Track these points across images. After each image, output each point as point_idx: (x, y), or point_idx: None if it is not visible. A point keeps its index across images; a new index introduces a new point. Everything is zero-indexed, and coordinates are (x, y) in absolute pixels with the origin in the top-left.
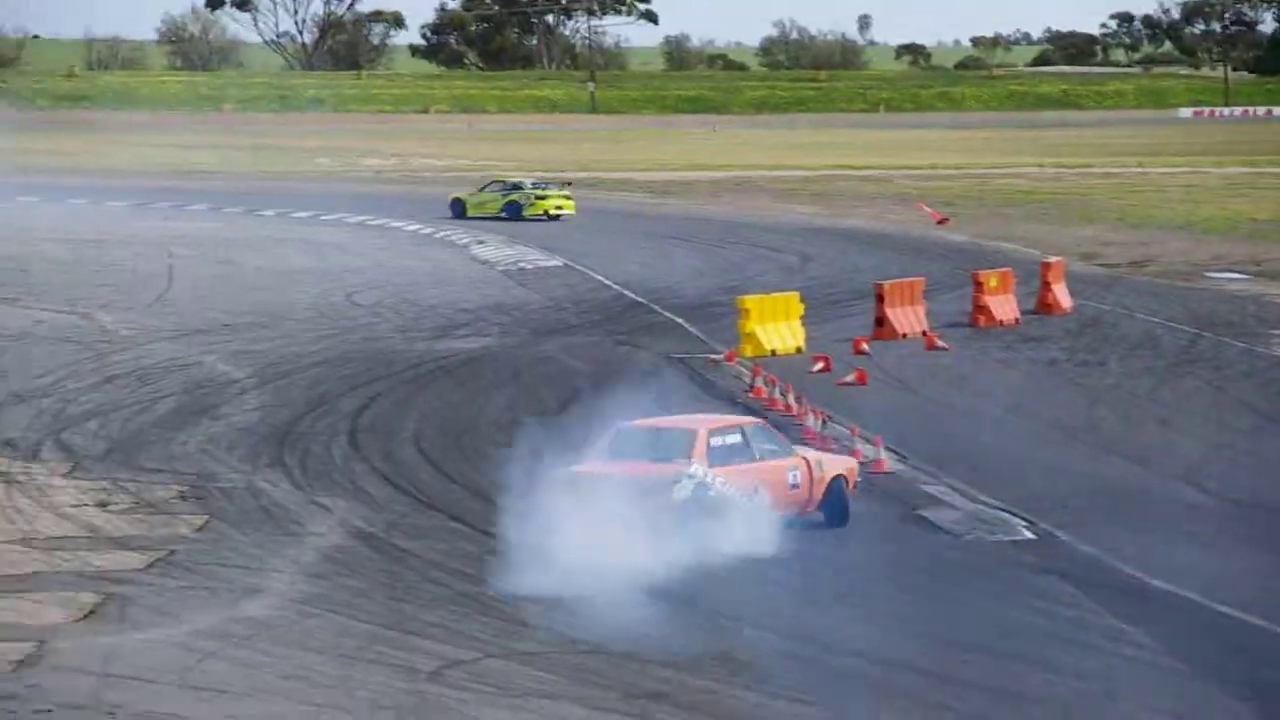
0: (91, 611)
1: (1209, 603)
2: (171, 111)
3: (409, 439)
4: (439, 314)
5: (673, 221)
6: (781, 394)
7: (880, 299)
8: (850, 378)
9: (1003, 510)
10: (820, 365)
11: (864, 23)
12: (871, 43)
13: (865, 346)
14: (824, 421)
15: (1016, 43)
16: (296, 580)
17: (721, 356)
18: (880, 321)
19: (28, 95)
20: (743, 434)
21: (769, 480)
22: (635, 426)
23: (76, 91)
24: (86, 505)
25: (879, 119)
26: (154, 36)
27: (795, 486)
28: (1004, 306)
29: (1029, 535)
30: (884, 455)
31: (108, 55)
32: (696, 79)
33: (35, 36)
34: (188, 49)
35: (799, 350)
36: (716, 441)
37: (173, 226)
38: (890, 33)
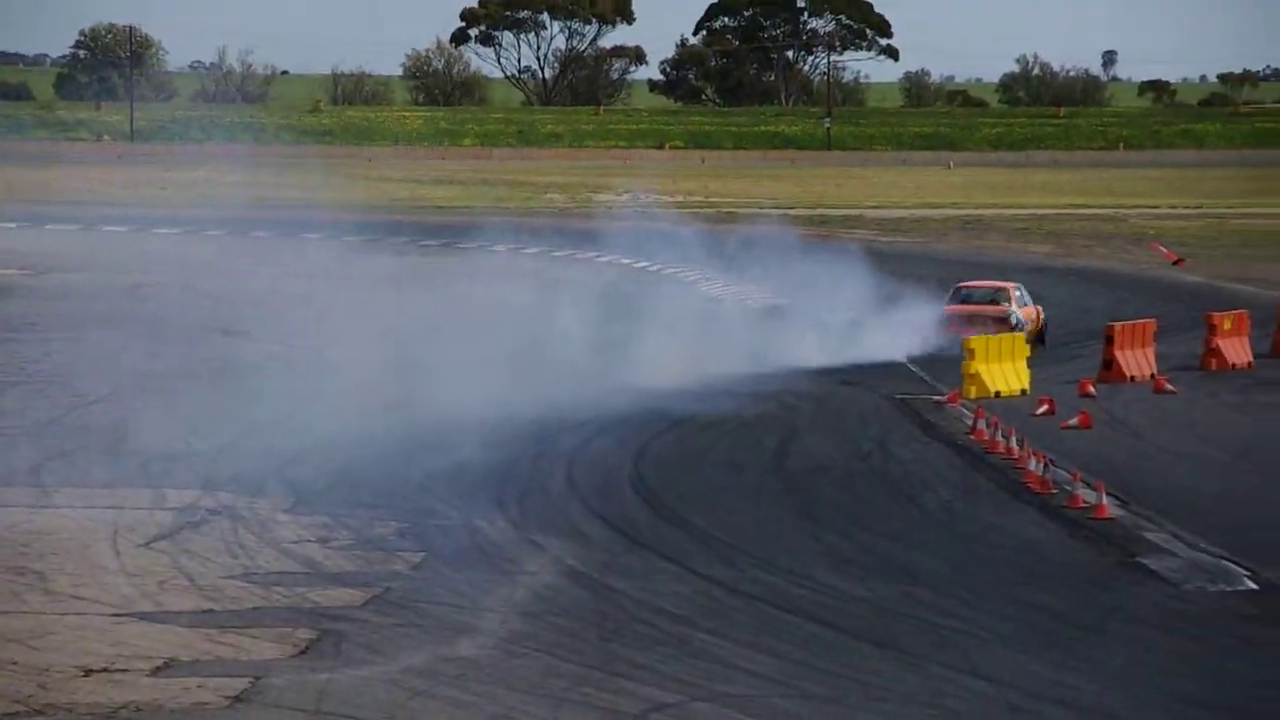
0: (307, 648)
1: None
2: (411, 146)
3: (626, 478)
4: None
5: (902, 260)
6: (1003, 437)
7: (1109, 341)
8: (1074, 421)
9: (1225, 559)
10: (1044, 408)
11: (1108, 59)
12: (1115, 79)
13: (1091, 389)
14: (1045, 465)
15: (1266, 78)
16: (508, 619)
17: (945, 398)
18: (1108, 364)
19: (273, 130)
20: (1021, 290)
21: (1031, 314)
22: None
23: (320, 126)
24: (307, 541)
25: (1118, 157)
26: (399, 72)
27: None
28: (1237, 349)
29: (1251, 585)
30: (1105, 500)
31: (352, 90)
32: (934, 115)
33: (284, 73)
34: (431, 84)
35: (1024, 392)
36: (1016, 294)
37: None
38: (1135, 69)
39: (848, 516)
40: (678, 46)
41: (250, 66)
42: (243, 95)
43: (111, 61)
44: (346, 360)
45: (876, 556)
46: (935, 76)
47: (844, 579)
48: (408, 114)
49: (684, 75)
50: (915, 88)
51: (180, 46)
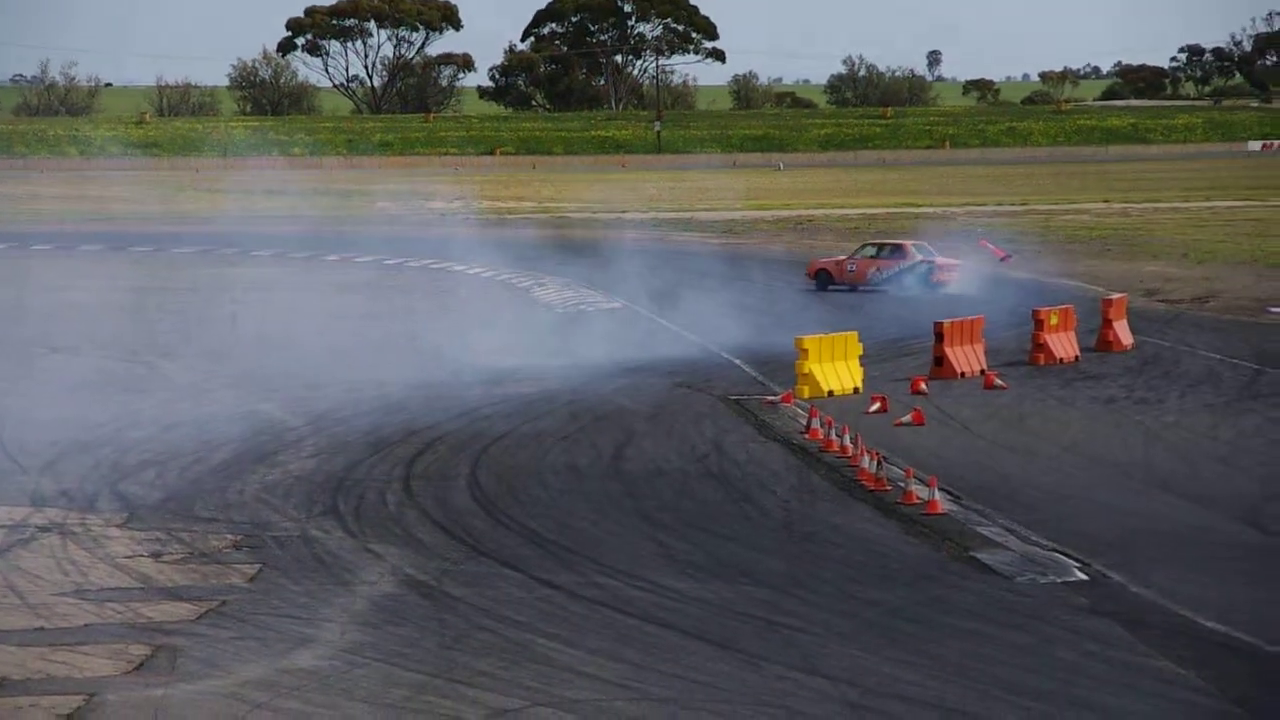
0: (142, 663)
1: (1265, 645)
2: (240, 157)
3: (464, 485)
4: (495, 357)
5: (732, 261)
6: (837, 435)
7: (939, 338)
8: (907, 418)
9: (1056, 551)
10: (877, 405)
11: (933, 59)
12: (940, 79)
13: (923, 386)
14: (879, 462)
15: (1085, 77)
16: (348, 629)
17: (778, 398)
18: (939, 360)
19: (99, 143)
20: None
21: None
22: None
23: (146, 139)
24: (141, 556)
25: (945, 155)
26: (226, 83)
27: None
28: (1064, 344)
29: (1082, 576)
30: (938, 496)
31: (178, 102)
32: (763, 117)
33: (108, 85)
34: (259, 94)
35: (856, 390)
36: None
37: (235, 274)
38: (959, 69)
39: (685, 518)
40: (506, 53)
41: (74, 79)
42: (67, 108)
43: None
44: (174, 371)
45: (715, 558)
46: (763, 79)
47: (683, 581)
48: (235, 124)
49: (513, 81)
50: (744, 90)
51: (1, 59)
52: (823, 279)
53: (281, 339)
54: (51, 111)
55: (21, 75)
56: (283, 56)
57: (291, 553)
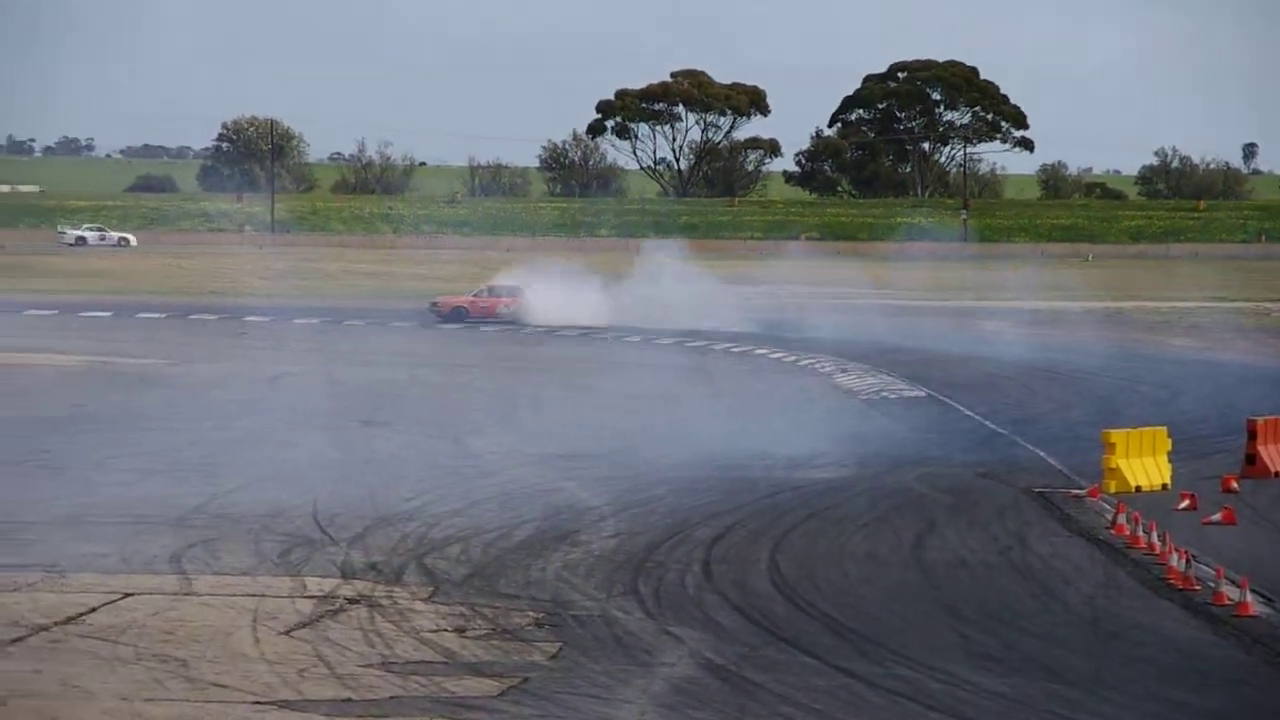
0: None
1: None
2: (545, 237)
3: (763, 569)
4: (799, 441)
5: (1038, 351)
6: (1145, 532)
7: (1252, 435)
8: (1217, 516)
9: None
10: (1186, 503)
11: (1249, 151)
12: (1256, 172)
13: (1234, 484)
14: (1188, 561)
15: None
16: (647, 711)
17: (1084, 492)
18: (1251, 459)
19: (412, 220)
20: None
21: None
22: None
23: (456, 218)
24: (445, 630)
25: (1259, 250)
26: (536, 163)
27: None
28: None
29: None
30: (1250, 598)
31: (489, 181)
32: (1072, 207)
33: (422, 164)
34: (567, 175)
35: (1165, 487)
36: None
37: (540, 352)
38: (1276, 162)
39: (986, 611)
40: (813, 138)
41: (389, 158)
42: (382, 186)
43: (253, 154)
44: (483, 450)
45: (1017, 652)
46: (1072, 168)
47: (984, 675)
48: (544, 205)
49: (819, 167)
50: (1052, 179)
51: (320, 138)
52: (458, 314)
53: (584, 418)
54: (367, 189)
55: (339, 153)
56: (592, 139)
57: (592, 632)
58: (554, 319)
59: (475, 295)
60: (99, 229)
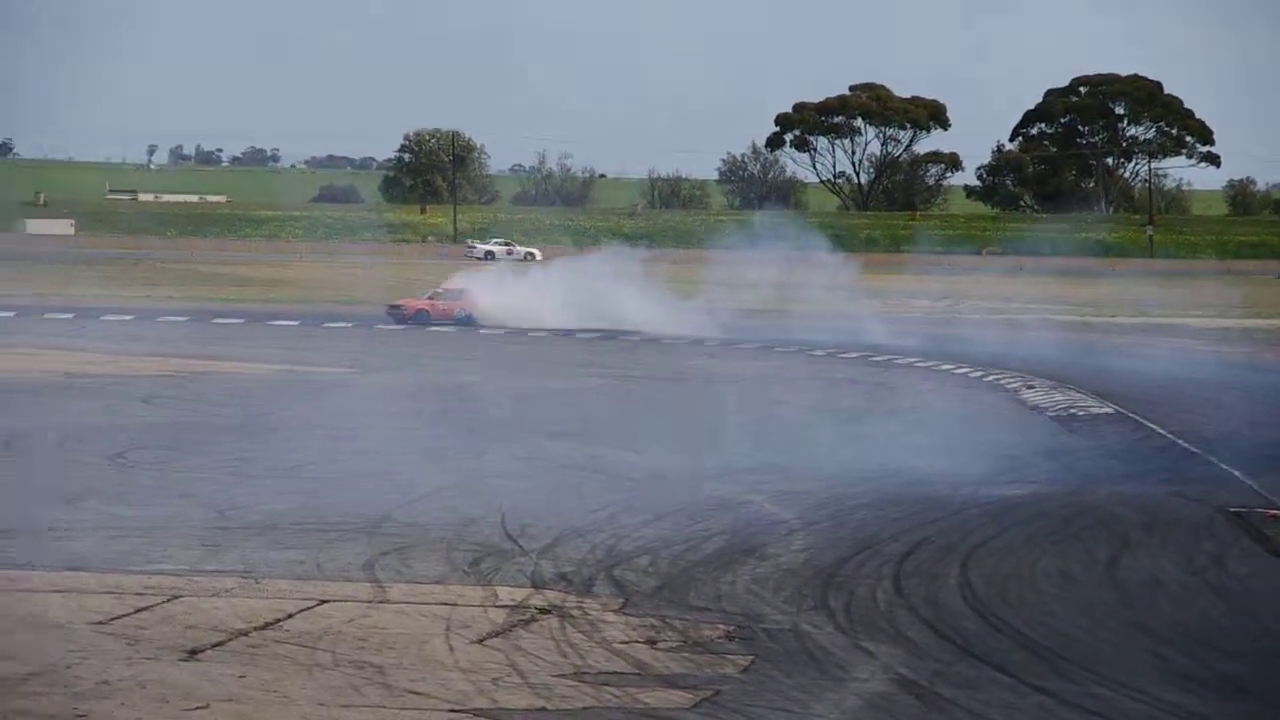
0: None
1: None
2: (723, 250)
3: (954, 585)
4: (984, 459)
5: (1228, 370)
6: None
7: None
8: None
9: None
10: None
11: None
12: None
13: None
14: None
15: None
16: None
17: None
18: None
19: (592, 233)
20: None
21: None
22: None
23: (636, 230)
24: (636, 642)
25: None
26: (714, 175)
27: None
28: None
29: None
30: None
31: (669, 194)
32: (1261, 224)
33: (602, 176)
34: (746, 188)
35: None
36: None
37: (719, 365)
38: None
39: (1184, 632)
40: (994, 152)
41: (569, 170)
42: (562, 198)
43: (435, 165)
44: (668, 462)
45: (1217, 674)
46: (1261, 184)
47: (1183, 695)
48: (724, 218)
49: (1001, 181)
50: (1240, 195)
51: (501, 150)
52: (420, 318)
53: (769, 432)
54: (547, 201)
55: (520, 165)
56: (771, 151)
57: (783, 645)
58: (504, 319)
59: (432, 298)
60: (506, 243)
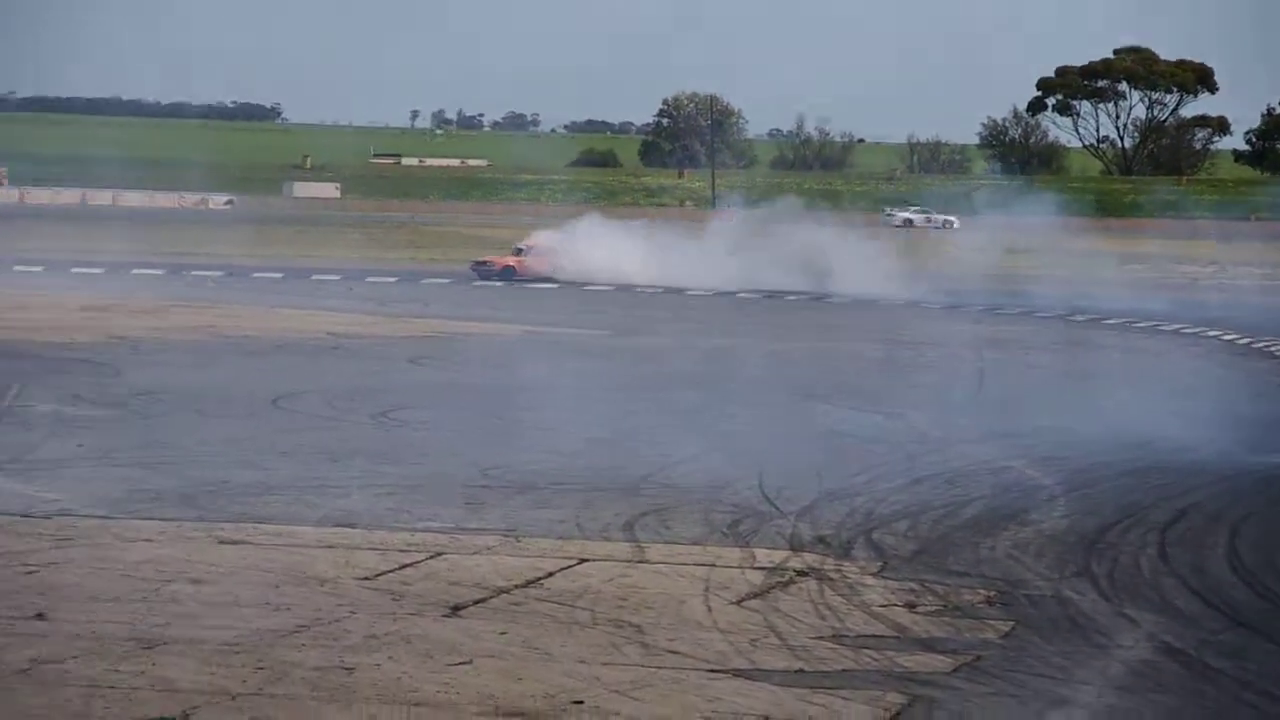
0: (899, 713)
1: None
2: (983, 215)
3: (1221, 554)
4: (1252, 428)
5: None
6: None
7: None
8: None
9: None
10: None
11: None
12: None
13: None
14: None
15: None
16: (1104, 694)
17: None
18: None
19: (850, 198)
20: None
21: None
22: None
23: (896, 195)
24: (895, 605)
25: None
26: (975, 140)
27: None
28: None
29: None
30: None
31: (928, 159)
32: None
33: (861, 140)
34: (1007, 152)
35: None
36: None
37: (983, 330)
38: None
39: None
40: (1264, 116)
41: (828, 134)
42: (820, 162)
43: (693, 129)
44: (926, 425)
45: None
46: None
47: None
48: (985, 182)
49: (1271, 145)
50: None
51: (759, 114)
52: (507, 274)
53: (1029, 397)
54: (806, 166)
55: (778, 130)
56: (1032, 116)
57: (1045, 612)
58: (592, 276)
59: (519, 254)
60: (925, 211)
